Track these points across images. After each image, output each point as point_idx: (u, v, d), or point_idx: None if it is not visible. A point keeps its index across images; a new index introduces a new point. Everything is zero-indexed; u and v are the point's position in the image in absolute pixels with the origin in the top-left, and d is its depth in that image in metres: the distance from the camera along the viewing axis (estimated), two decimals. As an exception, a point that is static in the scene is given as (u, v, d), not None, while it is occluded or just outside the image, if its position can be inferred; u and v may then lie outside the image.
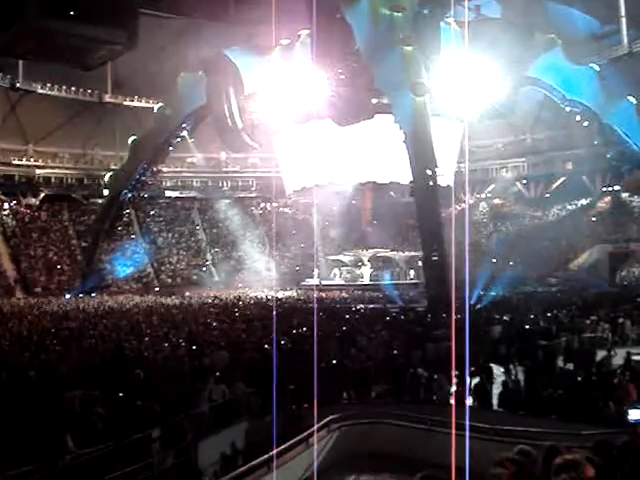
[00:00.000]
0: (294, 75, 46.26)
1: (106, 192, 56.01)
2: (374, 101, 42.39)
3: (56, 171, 62.48)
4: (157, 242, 61.93)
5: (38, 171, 61.27)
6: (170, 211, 65.84)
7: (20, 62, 53.19)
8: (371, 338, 19.52)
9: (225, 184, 68.18)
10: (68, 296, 45.11)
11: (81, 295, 45.30)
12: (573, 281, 44.56)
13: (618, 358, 16.43)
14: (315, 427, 11.01)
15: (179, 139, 51.31)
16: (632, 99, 43.00)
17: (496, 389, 14.15)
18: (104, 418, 10.59)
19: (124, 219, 56.41)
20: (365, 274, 53.51)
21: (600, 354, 17.36)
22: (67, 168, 62.92)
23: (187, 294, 47.30)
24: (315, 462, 11.15)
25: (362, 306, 34.58)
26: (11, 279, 52.47)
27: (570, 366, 16.44)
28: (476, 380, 14.02)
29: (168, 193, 66.15)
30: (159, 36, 52.99)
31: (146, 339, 19.84)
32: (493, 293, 37.91)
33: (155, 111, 52.94)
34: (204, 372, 14.44)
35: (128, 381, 13.06)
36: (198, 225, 65.84)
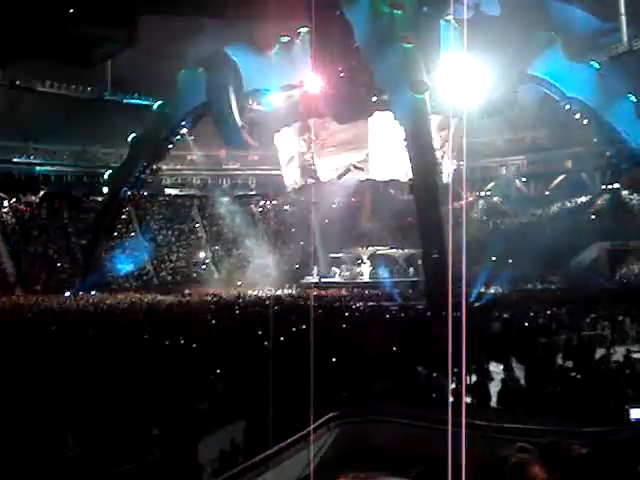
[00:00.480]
0: (294, 72, 46.24)
1: (106, 190, 56.01)
2: (373, 99, 42.42)
3: (56, 168, 62.43)
4: (157, 240, 61.87)
5: (38, 169, 61.26)
6: (170, 209, 65.78)
7: (20, 59, 53.36)
8: (371, 335, 19.53)
9: (225, 182, 68.11)
10: (68, 294, 45.12)
11: (81, 293, 45.33)
12: (572, 279, 44.61)
13: (617, 356, 16.46)
14: (314, 425, 11.02)
15: (179, 137, 51.27)
16: (632, 97, 43.00)
17: (495, 387, 14.17)
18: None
19: (124, 217, 56.38)
20: (365, 272, 53.51)
21: (599, 352, 17.39)
22: (67, 166, 62.86)
23: (187, 292, 47.38)
24: (314, 460, 11.17)
25: (361, 304, 34.62)
26: (10, 277, 52.49)
27: (569, 363, 16.48)
28: (475, 378, 14.04)
29: (168, 191, 66.10)
30: (159, 33, 53.05)
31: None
32: (492, 291, 38.01)
33: (155, 109, 52.92)
34: (204, 370, 14.47)
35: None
36: (198, 223, 65.82)
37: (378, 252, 53.52)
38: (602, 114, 42.95)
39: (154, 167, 52.84)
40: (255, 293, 44.32)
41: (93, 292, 45.59)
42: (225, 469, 10.22)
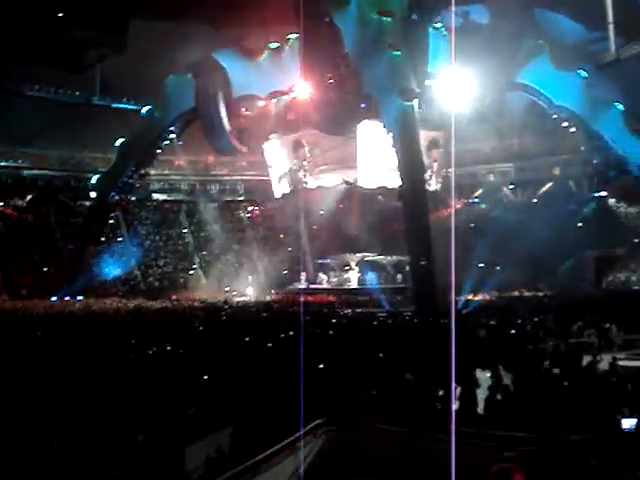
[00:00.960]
0: (283, 79, 46.30)
1: (93, 194, 55.78)
2: (362, 105, 42.51)
3: (43, 173, 62.13)
4: (144, 245, 61.64)
5: (25, 173, 60.95)
6: (157, 214, 65.50)
7: (8, 63, 53.11)
8: (358, 342, 19.52)
9: (213, 187, 67.96)
10: (54, 299, 44.90)
11: (67, 298, 45.11)
12: (559, 286, 44.76)
13: (604, 363, 16.50)
14: (301, 432, 10.99)
15: (167, 142, 51.20)
16: (619, 106, 43.26)
17: (482, 394, 14.15)
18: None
19: (111, 222, 56.20)
20: (353, 278, 53.49)
21: (586, 359, 17.43)
22: (54, 170, 62.56)
23: (174, 297, 47.22)
24: (301, 467, 11.13)
25: (349, 310, 34.59)
26: (-3, 281, 52.21)
27: (556, 371, 16.51)
28: (462, 385, 14.02)
29: (155, 196, 65.78)
30: (148, 39, 52.96)
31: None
32: (480, 297, 38.09)
33: (143, 113, 52.79)
34: (192, 376, 14.40)
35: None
36: (185, 228, 65.60)
37: (366, 258, 53.51)
38: (589, 122, 43.24)
39: (142, 172, 52.71)
40: (242, 299, 44.26)
41: (79, 297, 45.38)
42: (211, 476, 10.16)
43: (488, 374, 15.28)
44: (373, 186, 47.86)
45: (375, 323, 27.21)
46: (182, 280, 59.70)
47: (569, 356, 18.42)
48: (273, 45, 47.07)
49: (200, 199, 66.42)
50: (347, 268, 54.12)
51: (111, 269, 54.37)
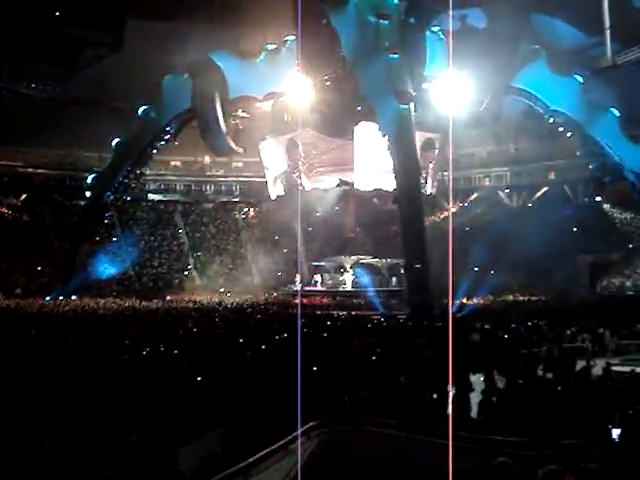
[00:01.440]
0: (280, 80, 46.25)
1: (88, 194, 55.62)
2: (358, 108, 42.52)
3: (38, 171, 61.97)
4: (139, 245, 61.51)
5: (20, 171, 60.80)
6: (153, 214, 65.41)
7: (4, 61, 52.99)
8: (352, 345, 19.51)
9: (208, 188, 67.93)
10: (48, 298, 44.81)
11: (61, 297, 45.01)
12: (554, 290, 44.83)
13: (597, 368, 16.52)
14: (295, 434, 10.96)
15: (163, 142, 51.08)
16: (615, 111, 43.34)
17: (476, 398, 14.15)
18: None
19: (106, 221, 56.04)
20: (347, 281, 53.48)
21: (580, 364, 17.45)
22: (50, 169, 62.43)
23: (168, 298, 47.16)
24: (294, 469, 11.10)
25: (344, 313, 34.57)
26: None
27: (550, 375, 16.52)
28: (456, 388, 14.01)
29: (151, 196, 65.71)
30: (145, 38, 52.85)
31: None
32: (474, 301, 38.13)
33: (139, 113, 52.67)
34: (185, 377, 14.38)
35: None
36: (181, 229, 65.51)
37: (361, 261, 53.54)
38: (585, 127, 43.29)
39: (137, 172, 52.60)
40: (237, 300, 44.20)
41: (74, 296, 45.29)
42: (204, 477, 10.13)
43: (482, 378, 15.30)
44: (369, 188, 47.82)
45: (369, 326, 27.22)
46: (177, 281, 59.59)
47: (563, 361, 18.44)
48: (270, 46, 47.02)
49: (196, 199, 66.38)
50: (342, 270, 54.12)
51: (106, 269, 54.23)
